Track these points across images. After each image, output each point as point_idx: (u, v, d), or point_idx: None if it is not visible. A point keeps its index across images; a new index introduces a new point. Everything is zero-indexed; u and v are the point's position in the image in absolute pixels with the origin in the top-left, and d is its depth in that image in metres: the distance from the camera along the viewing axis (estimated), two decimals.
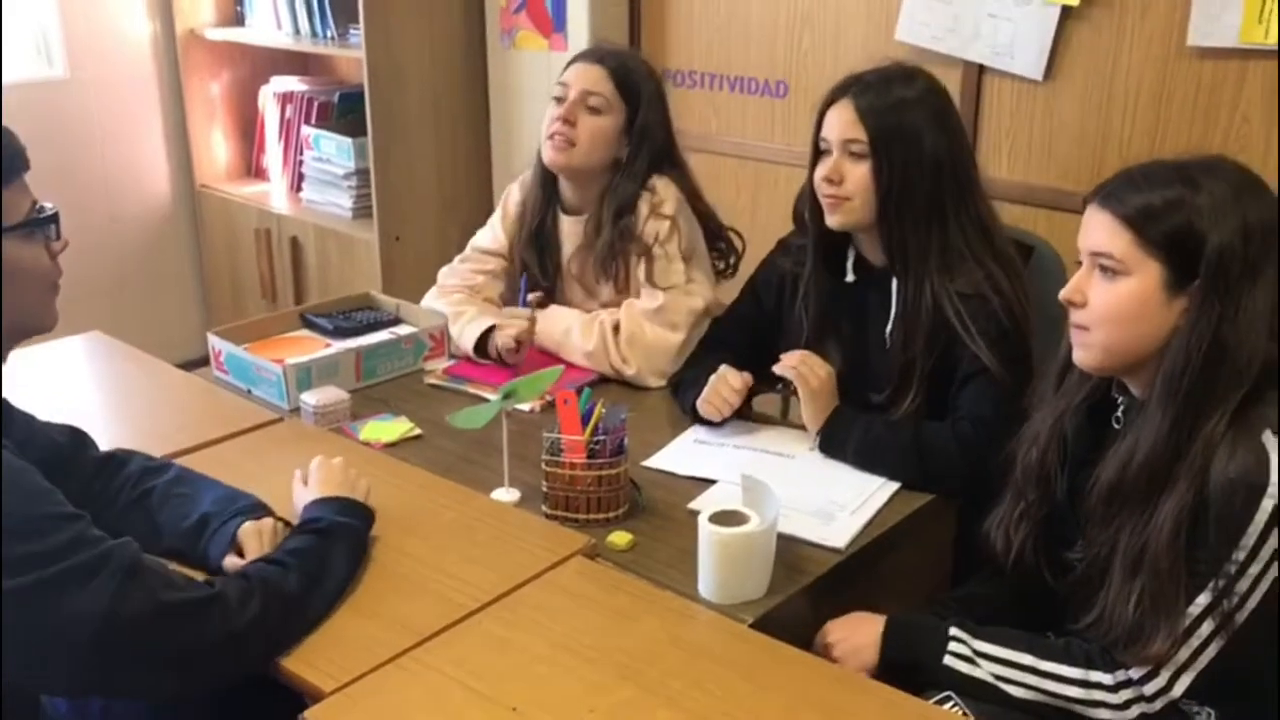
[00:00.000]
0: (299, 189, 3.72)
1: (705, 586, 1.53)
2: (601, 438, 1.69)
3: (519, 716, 1.27)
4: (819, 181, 1.89)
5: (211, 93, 3.86)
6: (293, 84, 3.81)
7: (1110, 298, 1.41)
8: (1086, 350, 1.46)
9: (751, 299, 2.15)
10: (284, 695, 1.35)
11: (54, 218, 1.36)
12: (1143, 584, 1.37)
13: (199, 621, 1.28)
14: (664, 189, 2.23)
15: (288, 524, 1.58)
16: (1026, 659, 1.47)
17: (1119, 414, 1.52)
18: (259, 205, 3.73)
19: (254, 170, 4.00)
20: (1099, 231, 1.41)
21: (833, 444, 1.87)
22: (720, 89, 3.12)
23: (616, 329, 2.20)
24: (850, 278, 1.99)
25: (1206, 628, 1.35)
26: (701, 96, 3.15)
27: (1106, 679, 1.42)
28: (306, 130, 3.64)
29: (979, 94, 2.63)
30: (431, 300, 2.38)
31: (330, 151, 3.56)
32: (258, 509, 1.58)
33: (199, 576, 1.41)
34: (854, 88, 1.86)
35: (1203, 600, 1.35)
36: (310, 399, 2.01)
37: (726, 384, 1.95)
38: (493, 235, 2.40)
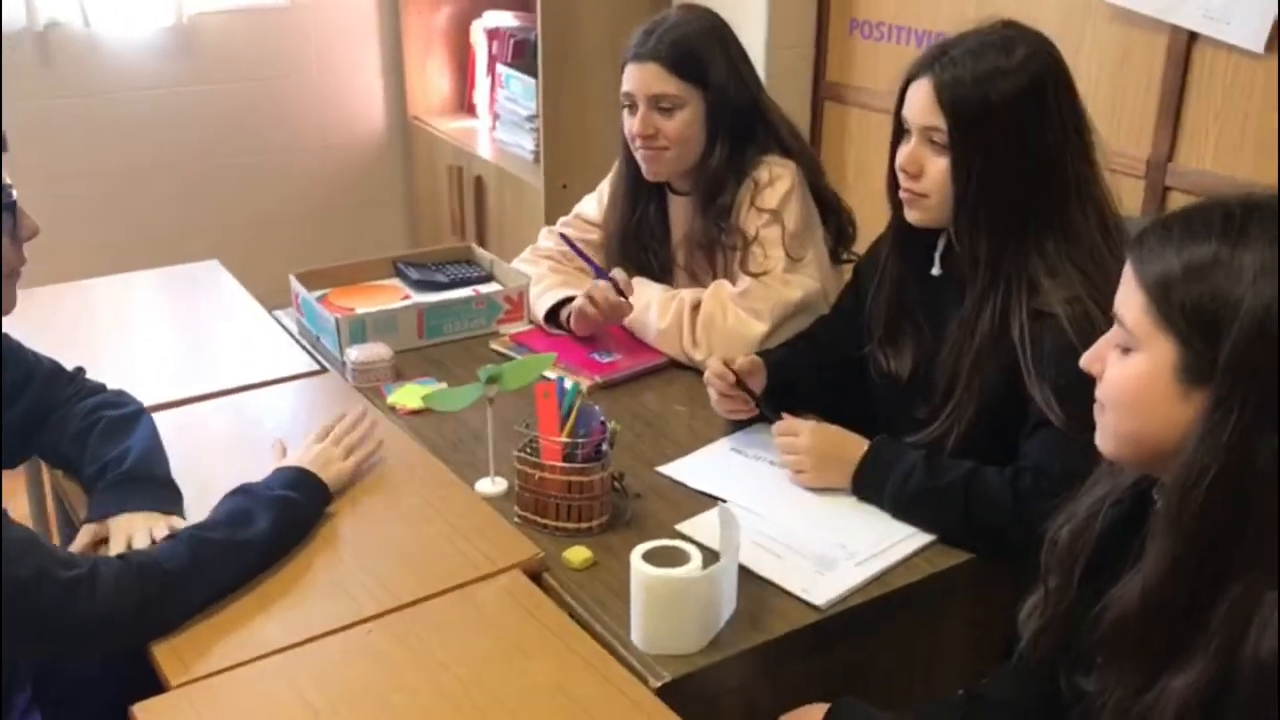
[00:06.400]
0: (495, 128, 3.69)
1: (634, 630, 1.33)
2: (581, 439, 1.51)
3: None
4: (897, 168, 1.61)
5: (430, 25, 3.87)
6: (504, 19, 3.75)
7: (1117, 375, 1.07)
8: (1100, 434, 1.12)
9: (851, 291, 1.89)
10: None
11: (10, 207, 1.33)
12: None
13: (61, 599, 1.22)
14: (772, 174, 1.97)
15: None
16: None
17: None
18: (456, 142, 3.72)
19: (467, 106, 4.00)
20: (1120, 289, 1.07)
21: (866, 493, 1.59)
22: (909, 43, 2.76)
23: (697, 309, 1.99)
24: (936, 270, 1.69)
25: None
26: (889, 50, 2.81)
27: None
28: (501, 69, 3.58)
29: (1186, 67, 2.17)
30: (522, 263, 2.25)
31: (518, 91, 3.48)
32: (161, 490, 1.50)
33: None
34: (938, 61, 1.54)
35: None
36: (353, 354, 1.94)
37: (711, 372, 1.74)
38: (599, 205, 2.24)
